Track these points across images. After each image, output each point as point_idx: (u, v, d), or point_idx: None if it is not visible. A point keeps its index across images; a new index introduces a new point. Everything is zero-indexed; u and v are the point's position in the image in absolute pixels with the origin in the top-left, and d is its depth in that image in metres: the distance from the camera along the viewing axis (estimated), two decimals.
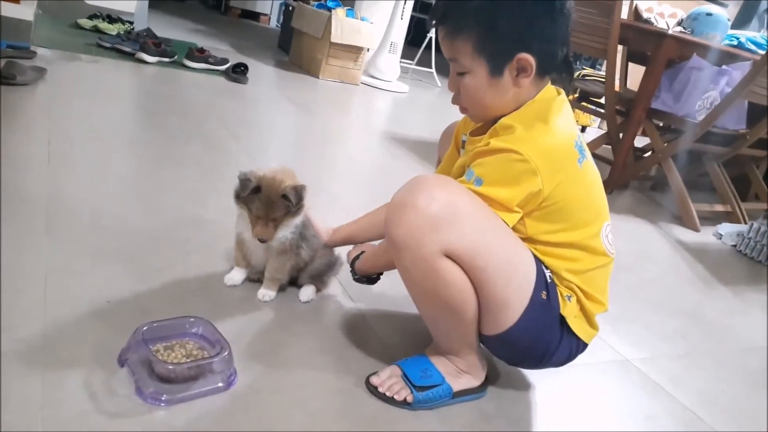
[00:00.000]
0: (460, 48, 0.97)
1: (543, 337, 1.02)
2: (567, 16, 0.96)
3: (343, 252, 1.36)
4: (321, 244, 1.30)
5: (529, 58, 0.95)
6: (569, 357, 1.07)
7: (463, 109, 1.07)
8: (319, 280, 1.32)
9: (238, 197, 1.18)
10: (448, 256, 0.91)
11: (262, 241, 1.19)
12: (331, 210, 1.41)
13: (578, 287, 1.03)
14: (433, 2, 1.01)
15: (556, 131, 0.97)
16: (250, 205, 1.17)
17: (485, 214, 0.93)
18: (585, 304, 1.04)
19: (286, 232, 1.20)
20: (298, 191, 1.17)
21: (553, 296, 1.01)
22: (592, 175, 1.04)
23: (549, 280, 1.01)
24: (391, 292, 1.38)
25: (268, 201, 1.16)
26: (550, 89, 1.02)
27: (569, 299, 1.02)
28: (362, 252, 1.26)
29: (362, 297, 1.37)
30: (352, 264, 1.27)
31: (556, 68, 1.00)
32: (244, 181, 1.15)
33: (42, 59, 2.57)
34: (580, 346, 1.07)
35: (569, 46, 1.00)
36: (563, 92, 1.04)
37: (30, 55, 2.54)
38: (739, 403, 1.37)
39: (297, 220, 1.21)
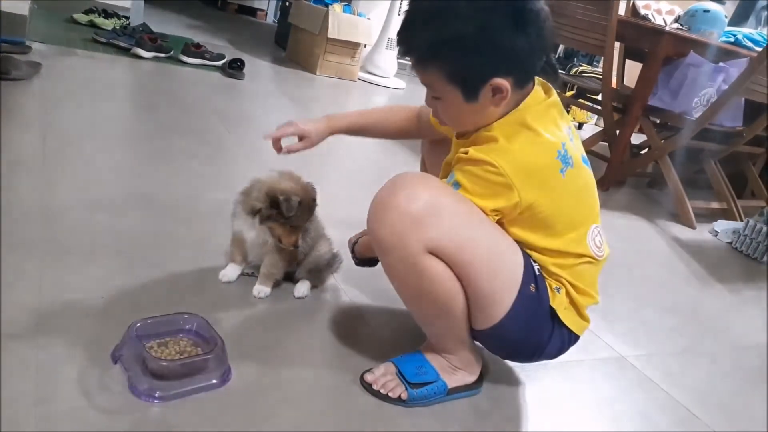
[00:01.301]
0: (431, 76, 0.96)
1: (533, 329, 1.02)
2: (542, 25, 0.91)
3: (343, 247, 1.35)
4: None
5: (503, 82, 0.92)
6: (561, 349, 1.07)
7: (444, 122, 1.07)
8: (317, 276, 1.32)
9: (269, 218, 1.16)
10: (433, 253, 0.91)
11: (296, 246, 1.20)
12: (328, 207, 1.41)
13: (566, 280, 1.02)
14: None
15: (537, 144, 0.95)
16: (292, 220, 1.16)
17: (468, 210, 0.93)
18: (574, 297, 1.03)
19: None
20: (314, 188, 1.23)
21: (543, 289, 1.00)
22: (581, 180, 1.01)
23: (537, 273, 1.00)
24: (387, 288, 1.37)
25: (307, 209, 1.19)
26: (537, 94, 0.99)
27: (558, 291, 1.02)
28: (362, 236, 1.26)
29: (357, 293, 1.36)
30: (352, 248, 1.27)
31: (538, 75, 0.98)
32: (288, 201, 1.13)
33: (37, 54, 2.55)
34: (572, 338, 1.07)
35: (550, 50, 0.97)
36: (553, 92, 1.01)
37: (25, 50, 2.52)
38: (734, 400, 1.38)
39: None
